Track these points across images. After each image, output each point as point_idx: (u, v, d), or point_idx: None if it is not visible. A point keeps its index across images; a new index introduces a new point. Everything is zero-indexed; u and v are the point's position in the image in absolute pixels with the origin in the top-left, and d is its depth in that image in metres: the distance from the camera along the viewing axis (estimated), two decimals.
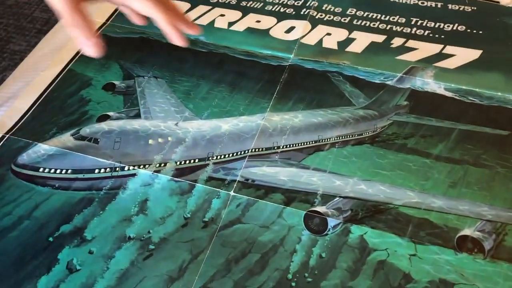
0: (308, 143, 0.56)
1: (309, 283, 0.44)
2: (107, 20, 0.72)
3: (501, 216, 0.48)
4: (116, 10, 0.74)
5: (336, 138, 0.56)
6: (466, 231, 0.47)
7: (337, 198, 0.50)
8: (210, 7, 0.75)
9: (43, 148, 0.55)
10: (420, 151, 0.54)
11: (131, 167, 0.53)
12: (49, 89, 0.62)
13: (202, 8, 0.74)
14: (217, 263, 0.46)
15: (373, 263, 0.45)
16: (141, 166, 0.53)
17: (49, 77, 0.64)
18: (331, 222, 0.48)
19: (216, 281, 0.44)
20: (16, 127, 0.58)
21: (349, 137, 0.56)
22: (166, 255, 0.46)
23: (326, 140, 0.56)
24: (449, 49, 0.67)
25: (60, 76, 0.64)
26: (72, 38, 0.70)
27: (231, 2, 0.75)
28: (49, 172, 0.53)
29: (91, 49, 0.42)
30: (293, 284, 0.44)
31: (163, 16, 0.44)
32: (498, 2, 0.74)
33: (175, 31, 0.44)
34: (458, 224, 0.48)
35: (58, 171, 0.53)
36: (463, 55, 0.66)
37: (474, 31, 0.69)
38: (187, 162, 0.54)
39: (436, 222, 0.48)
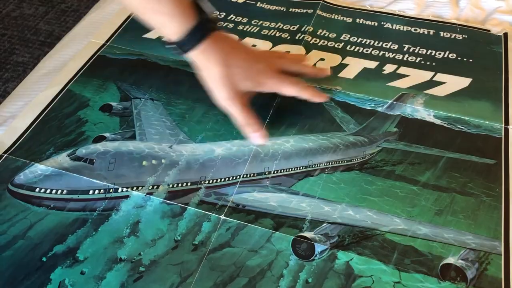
0: (298, 168, 0.57)
1: None
2: (107, 41, 0.74)
3: (484, 245, 0.49)
4: (116, 31, 0.76)
5: (326, 164, 0.57)
6: (450, 259, 0.48)
7: (325, 224, 0.51)
8: None
9: (39, 168, 0.56)
10: (408, 178, 0.56)
11: (124, 189, 0.54)
12: (48, 109, 0.64)
13: None
14: (206, 286, 0.47)
15: None
16: (134, 188, 0.54)
17: (48, 97, 0.66)
18: (318, 247, 0.49)
19: None
20: (14, 146, 0.59)
21: (339, 163, 0.57)
22: (155, 278, 0.47)
23: (316, 165, 0.57)
24: (439, 77, 0.68)
25: (59, 97, 0.66)
26: (72, 58, 0.72)
27: (228, 26, 0.77)
28: (45, 192, 0.54)
29: (260, 139, 0.56)
30: None
31: (307, 94, 0.59)
32: (489, 30, 0.76)
33: (316, 95, 0.60)
34: (442, 252, 0.49)
35: (53, 191, 0.54)
36: (453, 83, 0.67)
37: (465, 59, 0.71)
38: (180, 185, 0.55)
39: (421, 249, 0.49)
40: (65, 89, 0.67)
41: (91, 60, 0.71)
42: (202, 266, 0.48)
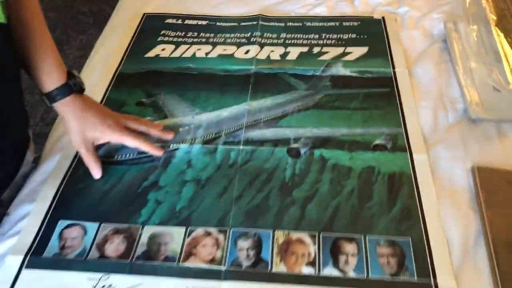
0: (279, 113, 0.91)
1: (297, 182, 0.78)
2: (120, 64, 1.03)
3: (394, 131, 0.86)
4: (126, 52, 1.05)
5: (293, 109, 0.92)
6: (377, 141, 0.84)
7: (303, 138, 0.85)
8: (189, 45, 1.09)
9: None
10: (343, 107, 0.92)
11: (174, 145, 0.85)
12: None
13: (183, 47, 1.08)
14: (244, 183, 0.78)
15: (330, 166, 0.80)
16: (181, 143, 0.85)
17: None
18: (302, 150, 0.83)
19: (245, 192, 0.77)
20: None
21: (300, 107, 0.92)
22: (212, 185, 0.78)
23: (288, 111, 0.91)
24: (349, 49, 1.06)
25: (103, 103, 0.94)
26: (100, 77, 0.99)
27: (202, 40, 1.10)
28: (121, 157, 0.83)
29: (97, 175, 0.80)
30: (290, 183, 0.78)
31: (146, 147, 0.82)
32: (372, 17, 1.15)
33: (154, 149, 0.83)
34: (372, 139, 0.84)
35: (127, 155, 0.83)
36: (358, 51, 1.05)
37: (362, 37, 1.09)
38: (208, 136, 0.86)
39: (361, 140, 0.84)
40: (105, 97, 0.95)
41: (115, 76, 1.00)
42: (238, 174, 0.80)
